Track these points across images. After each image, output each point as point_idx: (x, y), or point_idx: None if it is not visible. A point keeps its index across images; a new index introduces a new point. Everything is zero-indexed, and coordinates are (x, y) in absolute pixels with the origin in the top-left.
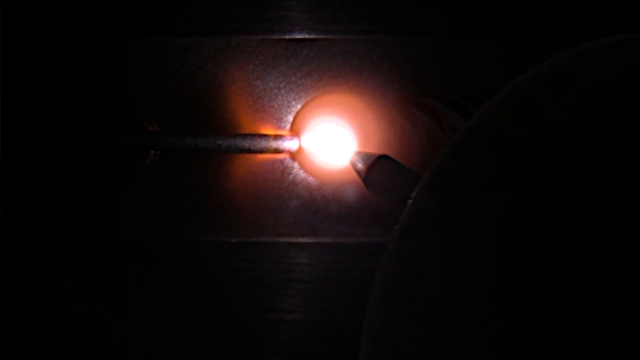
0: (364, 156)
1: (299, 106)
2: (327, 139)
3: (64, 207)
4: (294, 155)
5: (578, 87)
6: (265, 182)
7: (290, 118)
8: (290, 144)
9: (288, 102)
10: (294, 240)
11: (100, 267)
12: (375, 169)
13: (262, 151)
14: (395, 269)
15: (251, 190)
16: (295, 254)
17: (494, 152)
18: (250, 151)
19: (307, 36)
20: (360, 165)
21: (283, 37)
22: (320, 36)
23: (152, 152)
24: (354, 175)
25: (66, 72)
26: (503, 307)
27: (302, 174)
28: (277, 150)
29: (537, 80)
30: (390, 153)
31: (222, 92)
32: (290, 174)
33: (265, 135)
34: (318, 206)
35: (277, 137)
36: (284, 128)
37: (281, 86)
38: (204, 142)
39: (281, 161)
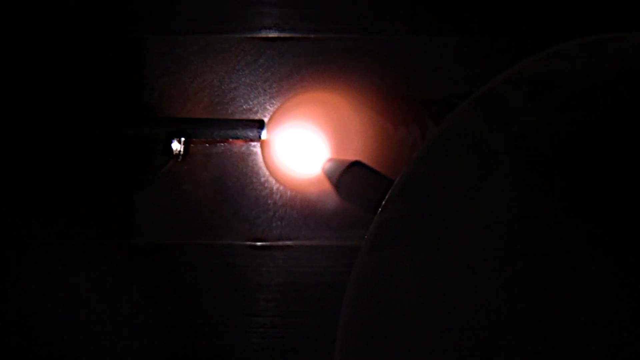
0: (336, 163)
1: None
2: (299, 147)
3: (84, 210)
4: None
5: (553, 90)
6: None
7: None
8: (257, 133)
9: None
10: (318, 243)
11: (120, 271)
12: (347, 175)
13: (229, 137)
14: (366, 280)
15: (276, 193)
16: (321, 257)
17: (467, 157)
18: (218, 137)
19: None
20: (331, 172)
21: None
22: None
23: (172, 155)
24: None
25: (89, 70)
26: (478, 317)
27: None
28: (247, 138)
29: (510, 83)
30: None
31: (248, 93)
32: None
33: (233, 121)
34: (345, 209)
35: (247, 123)
36: None
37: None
38: (169, 128)
39: None
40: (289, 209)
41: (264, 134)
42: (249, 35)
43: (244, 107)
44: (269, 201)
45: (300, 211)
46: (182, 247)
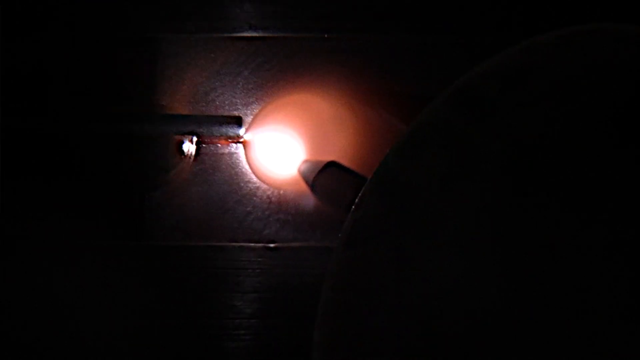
0: (312, 164)
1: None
2: (276, 148)
3: (95, 211)
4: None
5: (527, 82)
6: (301, 188)
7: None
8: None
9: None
10: (331, 245)
11: (131, 273)
12: (322, 176)
13: (209, 134)
14: (342, 279)
15: (287, 195)
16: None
17: (442, 151)
18: (195, 134)
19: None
20: (307, 173)
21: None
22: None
23: (184, 156)
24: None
25: (100, 69)
26: (459, 315)
27: None
28: (227, 136)
29: (484, 76)
30: None
31: (260, 94)
32: None
33: (212, 117)
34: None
35: (226, 120)
36: None
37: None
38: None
39: None
40: (301, 211)
41: (242, 132)
42: (260, 35)
43: (256, 107)
44: (281, 203)
45: (312, 213)
46: (193, 248)
